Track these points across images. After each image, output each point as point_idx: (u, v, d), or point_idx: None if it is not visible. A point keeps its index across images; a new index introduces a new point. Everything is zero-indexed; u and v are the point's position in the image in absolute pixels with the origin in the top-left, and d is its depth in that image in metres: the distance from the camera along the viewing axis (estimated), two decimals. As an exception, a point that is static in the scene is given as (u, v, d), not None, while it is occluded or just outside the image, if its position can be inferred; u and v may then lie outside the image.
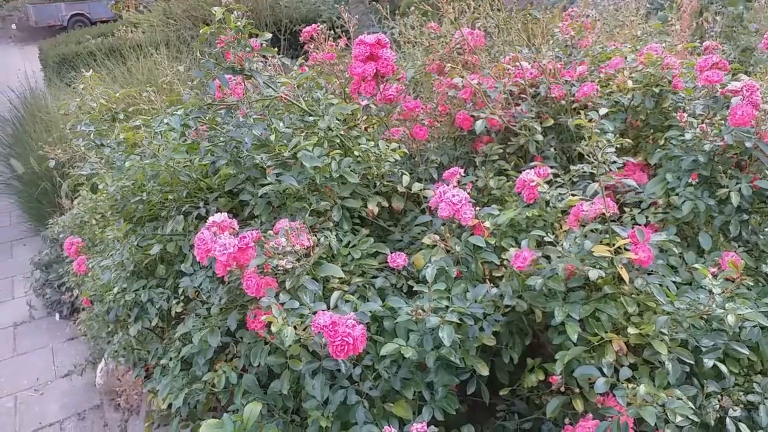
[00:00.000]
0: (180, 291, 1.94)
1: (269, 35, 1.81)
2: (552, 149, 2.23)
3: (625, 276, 1.48)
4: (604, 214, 1.58)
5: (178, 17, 7.12)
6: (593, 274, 1.45)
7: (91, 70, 2.00)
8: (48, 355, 3.99)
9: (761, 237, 1.89)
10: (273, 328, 1.35)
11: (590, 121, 1.45)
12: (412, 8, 3.24)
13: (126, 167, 1.83)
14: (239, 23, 1.69)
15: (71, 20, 16.27)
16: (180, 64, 3.23)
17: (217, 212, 2.00)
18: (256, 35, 1.82)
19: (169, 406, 2.04)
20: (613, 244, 1.54)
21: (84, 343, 3.95)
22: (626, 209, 1.90)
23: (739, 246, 1.88)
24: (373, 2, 6.96)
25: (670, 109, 2.10)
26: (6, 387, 3.66)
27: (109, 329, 2.58)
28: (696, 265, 1.59)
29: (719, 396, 1.55)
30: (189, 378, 1.91)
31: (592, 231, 1.58)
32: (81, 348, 3.97)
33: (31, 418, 3.41)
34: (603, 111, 1.55)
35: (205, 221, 2.05)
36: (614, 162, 1.55)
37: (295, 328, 1.39)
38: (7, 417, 3.42)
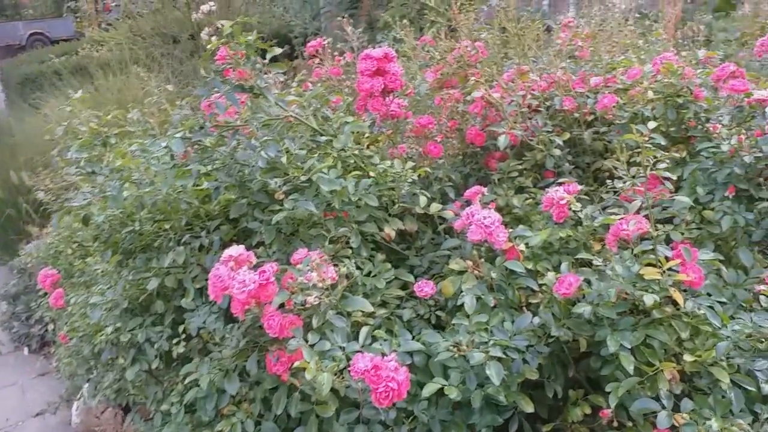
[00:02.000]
0: (181, 329, 1.76)
1: (279, 50, 1.67)
2: (567, 164, 2.15)
3: (680, 300, 1.38)
4: (648, 232, 1.49)
5: (146, 35, 6.88)
6: (649, 299, 1.34)
7: (80, 91, 1.83)
8: (18, 392, 3.71)
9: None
10: (307, 375, 1.20)
11: (641, 135, 1.36)
12: (404, 21, 3.14)
13: (124, 196, 1.65)
14: (250, 38, 1.55)
15: (30, 39, 15.82)
16: (154, 82, 3.06)
17: (221, 242, 1.84)
18: (265, 51, 1.68)
19: (171, 455, 1.86)
20: (660, 265, 1.44)
21: (56, 379, 3.71)
22: (657, 226, 1.81)
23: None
24: (348, 17, 6.84)
25: (690, 119, 2.04)
26: (-26, 430, 3.38)
27: (89, 366, 2.39)
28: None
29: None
30: (194, 424, 1.73)
31: (637, 253, 1.47)
32: (53, 384, 3.71)
33: (3, 463, 3.14)
34: (652, 124, 1.46)
35: (206, 252, 1.90)
36: (666, 177, 1.46)
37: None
38: (-23, 465, 3.14)
